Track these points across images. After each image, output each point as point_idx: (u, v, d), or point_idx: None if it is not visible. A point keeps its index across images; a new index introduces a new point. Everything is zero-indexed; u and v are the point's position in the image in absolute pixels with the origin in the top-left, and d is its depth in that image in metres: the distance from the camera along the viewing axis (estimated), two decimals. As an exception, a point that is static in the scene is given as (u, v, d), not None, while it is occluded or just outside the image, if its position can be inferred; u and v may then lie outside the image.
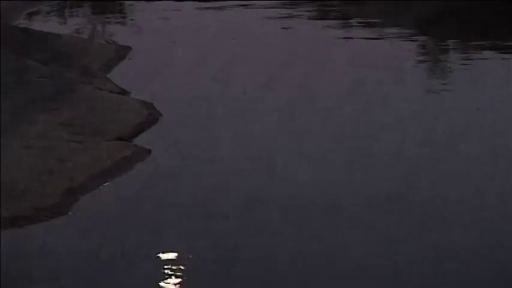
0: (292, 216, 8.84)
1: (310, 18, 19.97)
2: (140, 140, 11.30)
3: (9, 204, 8.85)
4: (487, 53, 16.04)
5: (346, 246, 8.05)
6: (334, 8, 21.07)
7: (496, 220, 8.67)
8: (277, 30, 18.69)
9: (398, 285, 7.35)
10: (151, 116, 12.18)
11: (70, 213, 8.98)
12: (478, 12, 19.66)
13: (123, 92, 13.36)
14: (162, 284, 7.43)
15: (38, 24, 18.48)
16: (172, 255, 7.96)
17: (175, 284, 7.44)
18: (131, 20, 20.52)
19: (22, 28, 16.67)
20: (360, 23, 19.12)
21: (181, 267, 7.71)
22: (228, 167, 10.35)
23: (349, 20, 19.56)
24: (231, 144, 11.09)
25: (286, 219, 8.77)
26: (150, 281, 7.50)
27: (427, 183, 9.67)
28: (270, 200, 9.29)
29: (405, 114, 12.37)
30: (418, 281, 7.37)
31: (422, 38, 17.69)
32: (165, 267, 7.68)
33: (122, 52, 16.22)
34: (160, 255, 7.95)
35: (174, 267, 7.68)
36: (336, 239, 8.24)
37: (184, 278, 7.53)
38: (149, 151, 10.82)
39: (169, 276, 7.53)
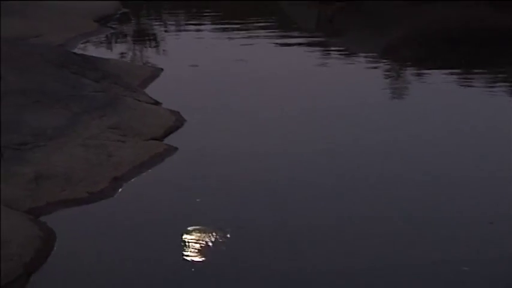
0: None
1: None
2: (169, 140, 11.35)
3: (69, 189, 9.02)
4: (435, 72, 16.04)
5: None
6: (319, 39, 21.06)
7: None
8: (277, 52, 18.61)
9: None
10: (178, 121, 12.20)
11: (115, 196, 9.15)
12: (430, 41, 19.68)
13: (156, 103, 13.38)
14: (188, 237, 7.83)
15: (91, 51, 18.51)
16: (197, 225, 8.22)
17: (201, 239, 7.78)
18: (164, 47, 20.53)
19: (79, 54, 16.67)
20: (337, 50, 19.07)
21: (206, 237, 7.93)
22: (242, 158, 10.45)
23: (328, 48, 19.54)
24: (242, 143, 11.16)
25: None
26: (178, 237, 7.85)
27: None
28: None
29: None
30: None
31: (384, 62, 17.65)
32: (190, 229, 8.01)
33: (156, 72, 16.19)
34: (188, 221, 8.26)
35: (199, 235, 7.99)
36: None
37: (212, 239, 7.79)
38: (176, 148, 10.90)
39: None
